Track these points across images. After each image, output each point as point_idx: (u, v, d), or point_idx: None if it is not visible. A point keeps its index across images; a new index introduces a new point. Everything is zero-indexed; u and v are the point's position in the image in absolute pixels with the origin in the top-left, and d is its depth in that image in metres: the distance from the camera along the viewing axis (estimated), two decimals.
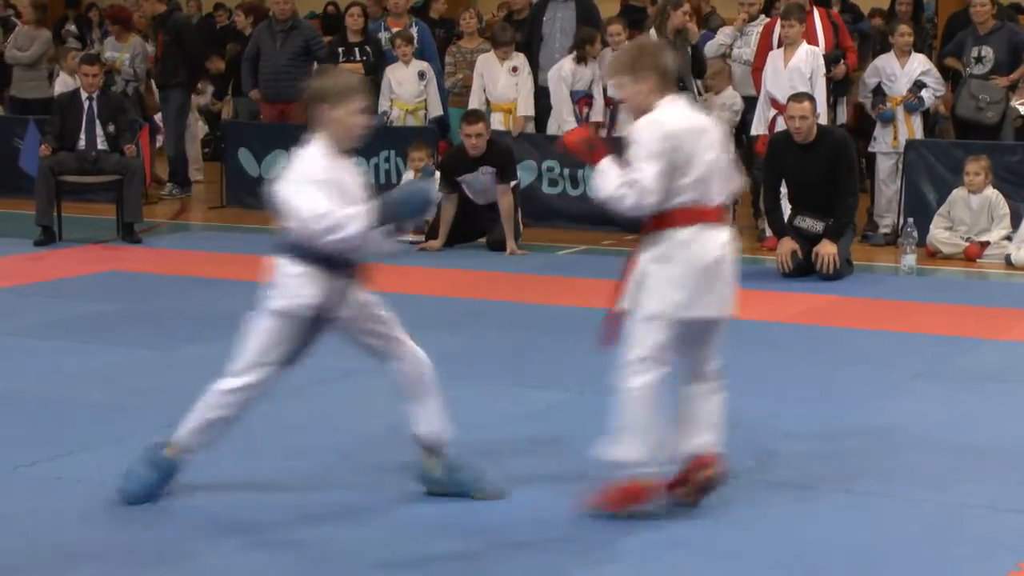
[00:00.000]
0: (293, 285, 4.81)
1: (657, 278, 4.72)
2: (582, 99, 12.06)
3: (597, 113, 12.06)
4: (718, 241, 4.79)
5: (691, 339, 4.84)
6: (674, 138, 4.69)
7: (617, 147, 4.85)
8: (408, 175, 11.52)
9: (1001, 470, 5.35)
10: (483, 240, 11.15)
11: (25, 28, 14.93)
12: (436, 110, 12.78)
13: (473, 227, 11.19)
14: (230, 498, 4.99)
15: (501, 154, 11.07)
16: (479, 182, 10.95)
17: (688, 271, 4.72)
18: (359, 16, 13.07)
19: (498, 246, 10.96)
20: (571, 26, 12.26)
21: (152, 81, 14.72)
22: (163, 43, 14.30)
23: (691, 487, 4.88)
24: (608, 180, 4.73)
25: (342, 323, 4.93)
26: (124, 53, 14.68)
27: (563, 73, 12.01)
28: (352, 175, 4.90)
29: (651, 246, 4.77)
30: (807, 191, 9.84)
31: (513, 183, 11.07)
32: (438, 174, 10.84)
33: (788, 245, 9.71)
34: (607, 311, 4.86)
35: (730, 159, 4.95)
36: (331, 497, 5.00)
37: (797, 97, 9.88)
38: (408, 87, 12.74)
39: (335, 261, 4.78)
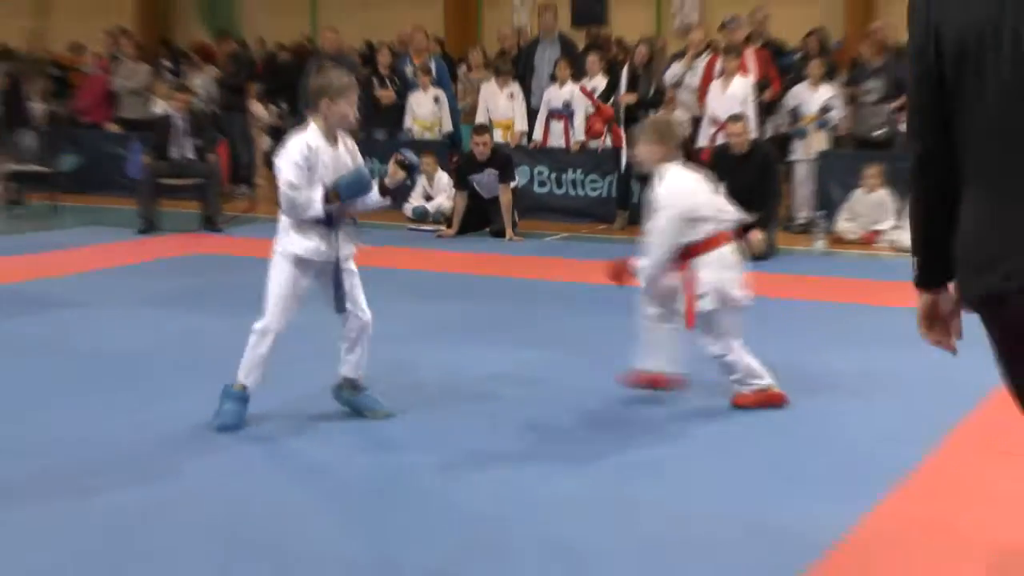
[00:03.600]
0: (292, 234, 4.78)
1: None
2: (552, 113, 12.00)
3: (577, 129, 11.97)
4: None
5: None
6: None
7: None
8: (421, 178, 11.39)
9: (890, 396, 5.31)
10: (488, 229, 11.10)
11: (129, 63, 14.77)
12: (447, 127, 12.73)
13: (480, 219, 11.12)
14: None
15: (502, 159, 11.01)
16: (485, 181, 10.93)
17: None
18: (388, 54, 13.11)
19: (499, 234, 10.91)
20: (556, 59, 12.18)
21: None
22: (224, 76, 14.23)
23: None
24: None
25: (329, 269, 4.84)
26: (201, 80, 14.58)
27: (544, 95, 12.03)
28: (337, 155, 4.78)
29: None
30: (741, 191, 9.69)
31: (512, 183, 11.00)
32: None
33: None
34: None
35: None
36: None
37: (734, 118, 9.88)
38: (425, 109, 12.67)
39: (320, 219, 4.75)
